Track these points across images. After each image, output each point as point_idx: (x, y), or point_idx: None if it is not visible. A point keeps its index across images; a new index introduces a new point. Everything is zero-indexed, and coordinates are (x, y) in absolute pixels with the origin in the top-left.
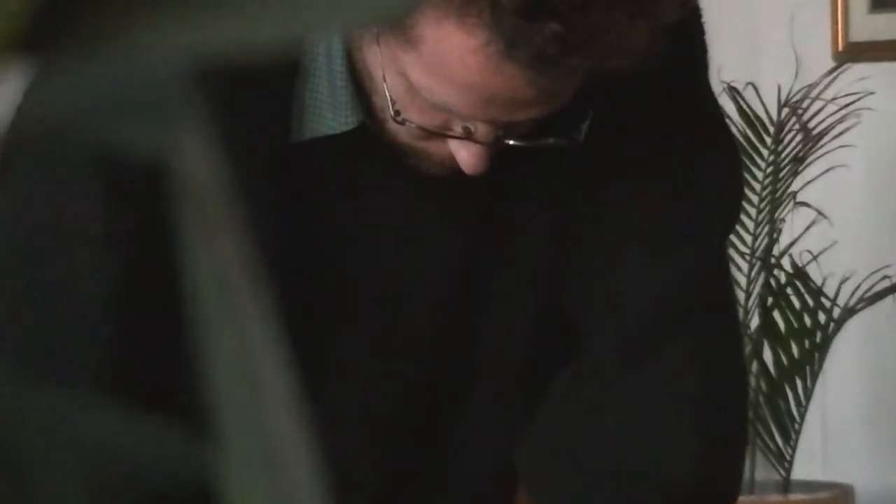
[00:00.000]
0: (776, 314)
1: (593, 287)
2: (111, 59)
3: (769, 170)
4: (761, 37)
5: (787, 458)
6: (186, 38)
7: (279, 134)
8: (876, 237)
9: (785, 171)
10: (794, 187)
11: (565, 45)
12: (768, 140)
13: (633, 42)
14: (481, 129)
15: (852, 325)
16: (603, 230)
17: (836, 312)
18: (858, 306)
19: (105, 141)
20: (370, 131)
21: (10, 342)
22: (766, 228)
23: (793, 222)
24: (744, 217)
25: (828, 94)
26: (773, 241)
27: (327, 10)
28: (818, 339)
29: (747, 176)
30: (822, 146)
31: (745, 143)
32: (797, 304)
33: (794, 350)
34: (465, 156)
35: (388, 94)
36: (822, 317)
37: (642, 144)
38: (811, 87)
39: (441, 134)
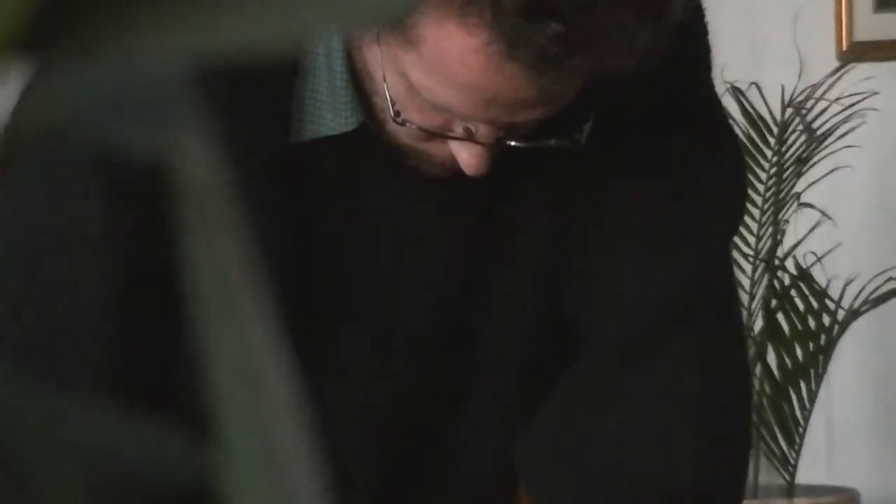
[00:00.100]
0: (780, 316)
1: (594, 287)
2: (111, 60)
3: (773, 171)
4: (764, 36)
5: (791, 462)
6: (186, 38)
7: (279, 134)
8: (881, 238)
9: (788, 171)
10: (797, 188)
11: (567, 46)
12: (772, 140)
13: (635, 42)
14: (482, 130)
15: (857, 327)
16: (604, 230)
17: (841, 315)
18: (863, 308)
19: (105, 141)
20: (370, 132)
21: (9, 342)
22: (770, 230)
23: (796, 223)
24: (747, 218)
25: (832, 94)
26: (776, 243)
27: (327, 11)
28: (822, 342)
29: (750, 177)
30: (826, 147)
31: (748, 144)
32: (801, 306)
33: (799, 353)
34: (466, 157)
35: (388, 95)
36: (826, 319)
37: (644, 145)
38: (815, 87)
39: (441, 135)
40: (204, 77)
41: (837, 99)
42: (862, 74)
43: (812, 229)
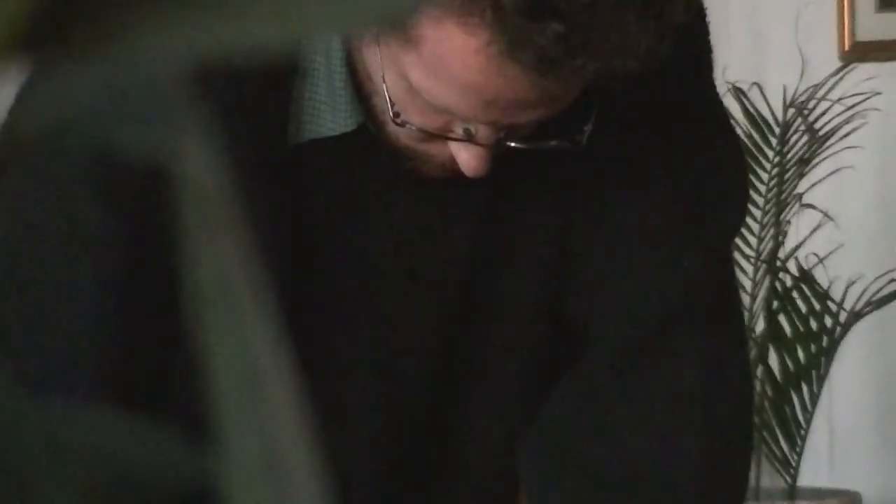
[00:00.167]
0: (782, 318)
1: (595, 289)
2: (111, 60)
3: (774, 171)
4: (766, 36)
5: (793, 464)
6: (186, 38)
7: (278, 135)
8: (883, 240)
9: (790, 172)
10: (799, 189)
11: (568, 46)
12: (773, 141)
13: (636, 43)
14: (482, 132)
15: (859, 329)
16: (605, 231)
17: (843, 316)
18: (865, 310)
19: (104, 142)
20: (370, 133)
21: (8, 344)
22: (772, 231)
23: (798, 225)
24: (749, 219)
25: (834, 95)
26: (778, 244)
27: (327, 11)
28: (825, 344)
29: (752, 178)
30: (828, 147)
31: (750, 145)
32: (803, 307)
33: (801, 354)
34: (466, 158)
35: (387, 96)
36: (828, 321)
37: (645, 145)
38: (817, 87)
39: (441, 136)
40: (203, 78)
41: (840, 99)
42: (864, 74)
43: (814, 230)
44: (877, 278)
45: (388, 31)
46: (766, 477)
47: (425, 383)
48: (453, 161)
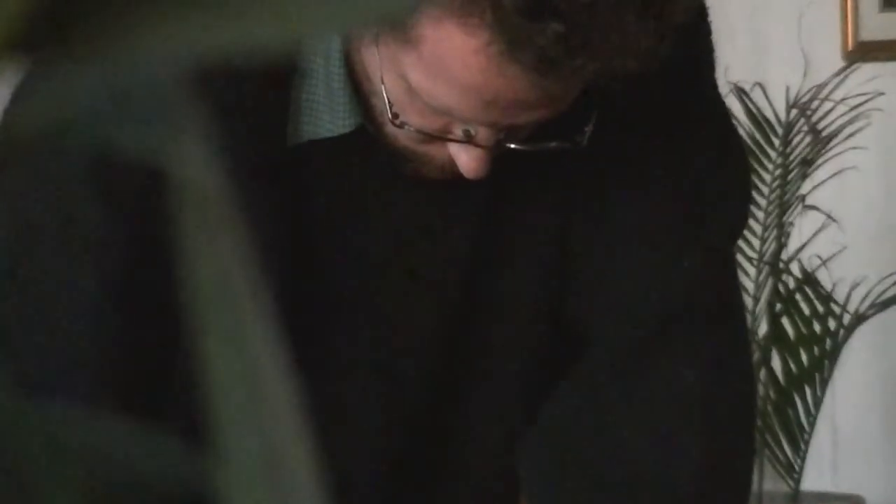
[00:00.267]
0: (785, 321)
1: (596, 289)
2: (110, 60)
3: (777, 172)
4: (769, 36)
5: (797, 468)
6: (186, 38)
7: (277, 136)
8: (887, 241)
9: (793, 173)
10: (802, 190)
11: (568, 46)
12: (776, 142)
13: (638, 43)
14: (482, 133)
15: (863, 331)
16: (606, 232)
17: (847, 319)
18: (869, 312)
19: (104, 143)
20: (369, 134)
21: (7, 345)
22: (775, 232)
23: (801, 226)
24: (751, 221)
25: (837, 95)
26: (781, 246)
27: (327, 11)
28: (828, 347)
29: (755, 179)
30: (831, 148)
31: (752, 145)
32: (806, 310)
33: (804, 357)
34: (466, 159)
35: (386, 97)
36: (831, 323)
37: (647, 146)
38: (820, 87)
39: (441, 137)
40: (203, 78)
41: (843, 99)
42: (868, 75)
43: (817, 232)
44: (880, 280)
45: (388, 32)
46: (769, 481)
47: (425, 383)
48: (452, 163)
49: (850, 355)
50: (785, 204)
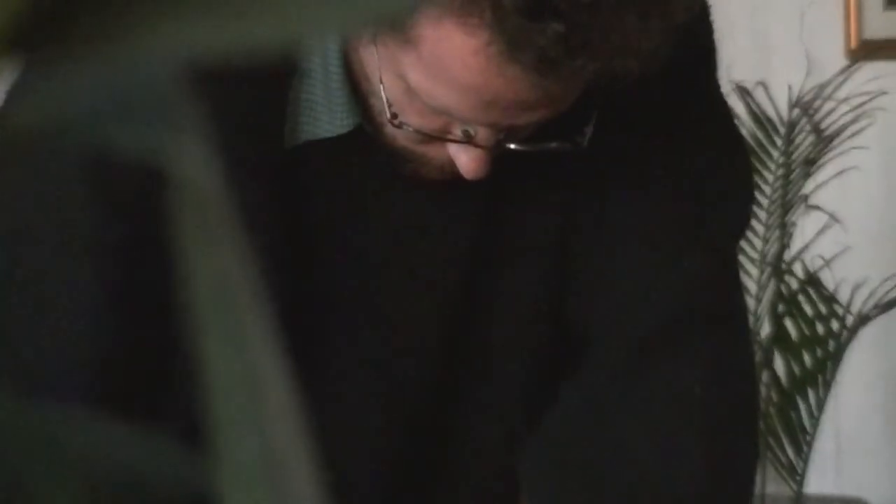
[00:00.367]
0: (787, 322)
1: (596, 289)
2: (108, 60)
3: (780, 172)
4: (771, 35)
5: (799, 471)
6: (185, 39)
7: (275, 137)
8: (890, 242)
9: (796, 173)
10: (805, 190)
11: (568, 46)
12: (779, 141)
13: (639, 42)
14: (482, 133)
15: (866, 333)
16: (607, 233)
17: (850, 320)
18: (872, 313)
19: (104, 143)
20: (368, 134)
21: (8, 344)
22: (777, 233)
23: (804, 226)
24: (753, 221)
25: (840, 94)
26: (783, 246)
27: (327, 11)
28: (831, 348)
29: (757, 178)
30: (834, 147)
31: (754, 145)
32: (809, 311)
33: (807, 359)
34: (465, 160)
35: (384, 97)
36: (835, 325)
37: (648, 146)
38: (823, 86)
39: (440, 137)
40: (202, 78)
41: (846, 99)
42: (871, 74)
43: (820, 232)
44: (883, 281)
45: (387, 32)
46: (771, 483)
47: (425, 383)
48: (452, 163)
49: (853, 357)
50: (787, 204)
